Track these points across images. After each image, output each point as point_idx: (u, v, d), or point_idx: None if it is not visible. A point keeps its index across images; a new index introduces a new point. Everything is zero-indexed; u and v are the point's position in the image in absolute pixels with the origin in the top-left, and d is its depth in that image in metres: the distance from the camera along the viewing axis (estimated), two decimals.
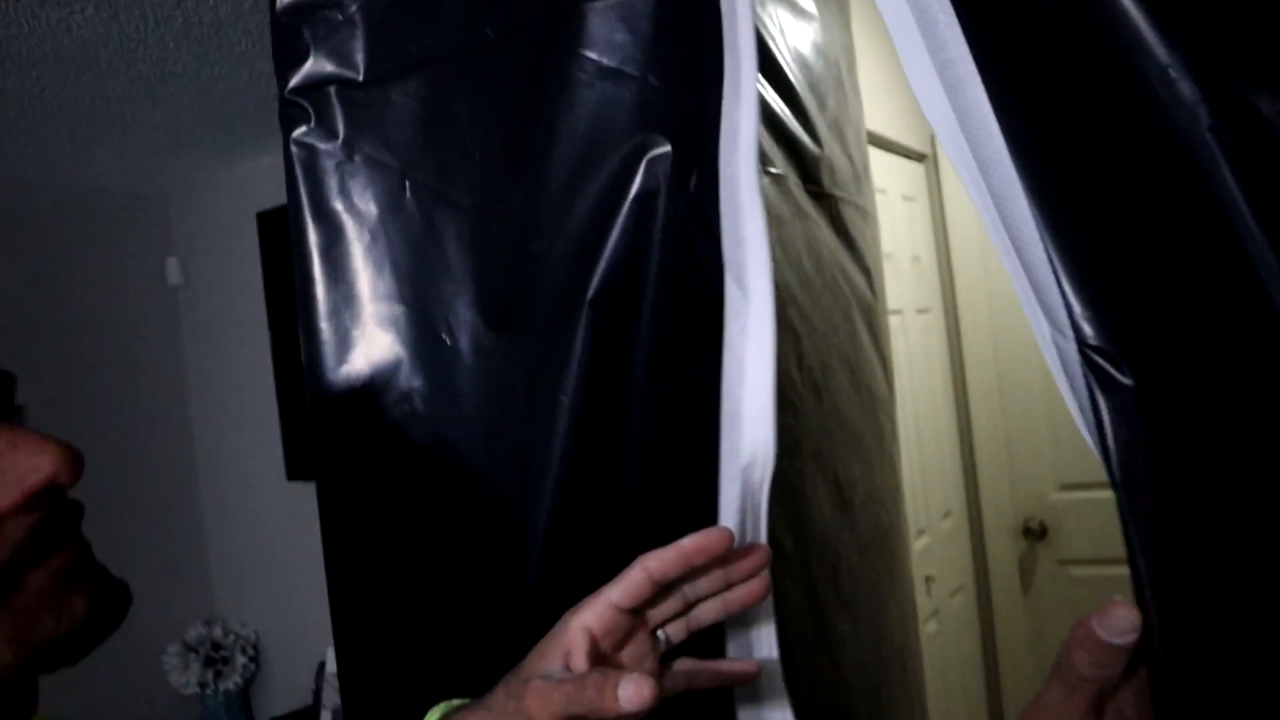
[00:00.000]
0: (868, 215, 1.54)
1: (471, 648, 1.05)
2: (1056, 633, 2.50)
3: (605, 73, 0.93)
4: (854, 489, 1.45)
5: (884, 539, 1.59)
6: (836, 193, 1.38)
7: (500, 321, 1.02)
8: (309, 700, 3.07)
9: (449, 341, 1.04)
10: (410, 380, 1.05)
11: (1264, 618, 0.63)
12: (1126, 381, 0.65)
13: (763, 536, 0.86)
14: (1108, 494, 0.91)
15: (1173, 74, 0.62)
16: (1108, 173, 0.66)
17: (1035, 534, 2.56)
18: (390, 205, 1.06)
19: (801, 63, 1.28)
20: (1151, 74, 0.62)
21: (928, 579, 2.36)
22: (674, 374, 0.90)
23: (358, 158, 1.06)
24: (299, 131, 1.08)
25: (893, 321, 1.65)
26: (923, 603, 2.30)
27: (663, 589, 0.74)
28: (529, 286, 1.00)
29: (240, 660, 3.38)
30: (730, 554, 0.75)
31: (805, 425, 1.31)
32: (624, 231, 0.94)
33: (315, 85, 1.08)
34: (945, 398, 2.67)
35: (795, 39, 1.28)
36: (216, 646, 3.37)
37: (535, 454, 0.99)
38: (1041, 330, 0.71)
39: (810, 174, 1.29)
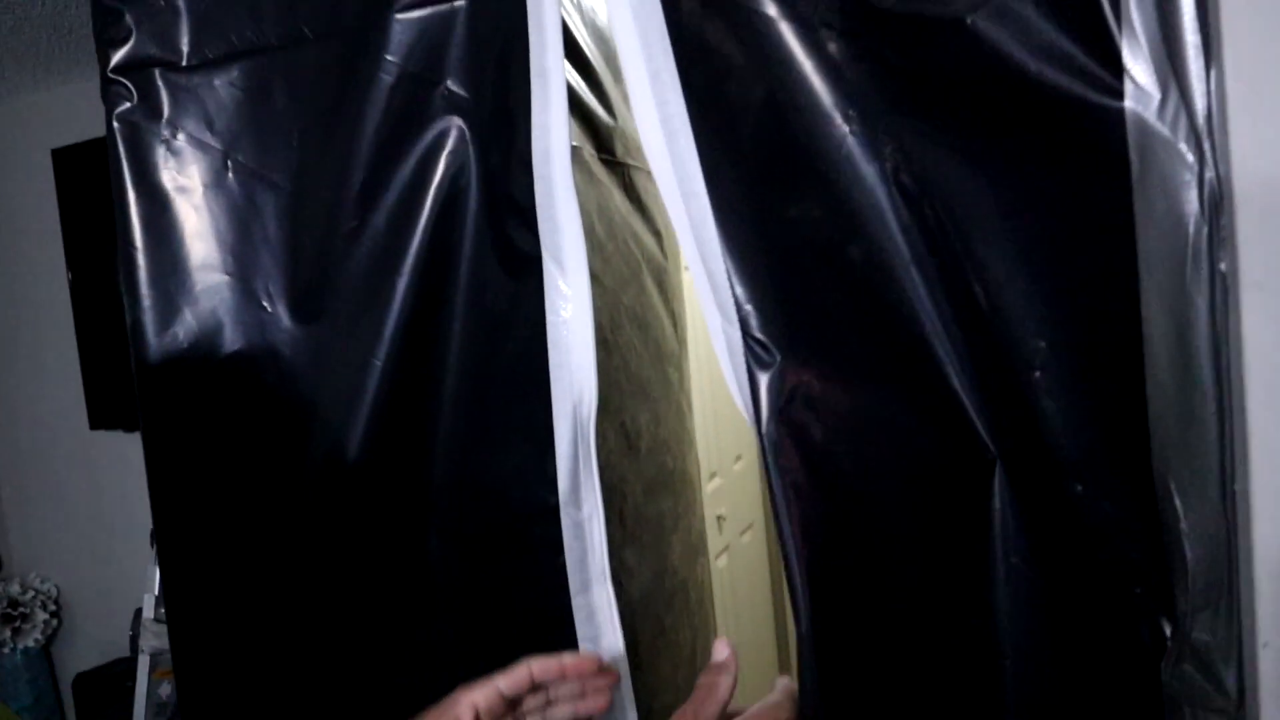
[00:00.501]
0: None
1: (293, 585, 1.20)
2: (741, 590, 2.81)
3: (408, 76, 1.08)
4: (640, 436, 1.66)
5: (670, 480, 1.81)
6: (629, 161, 1.56)
7: (316, 292, 1.16)
8: (122, 653, 3.08)
9: (269, 308, 1.17)
10: (233, 343, 1.18)
11: (891, 559, 0.88)
12: (775, 359, 0.88)
13: (593, 459, 1.07)
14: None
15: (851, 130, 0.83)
16: (778, 209, 0.88)
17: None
18: (213, 182, 1.17)
19: (599, 37, 1.44)
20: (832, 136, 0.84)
21: (719, 517, 2.61)
22: (492, 340, 1.07)
23: (181, 137, 1.17)
24: (122, 109, 1.18)
25: (687, 279, 1.84)
26: (714, 539, 2.55)
27: (535, 686, 0.93)
28: (343, 261, 1.14)
29: (40, 616, 3.34)
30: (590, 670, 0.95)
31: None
32: (434, 214, 1.09)
33: (138, 66, 1.17)
34: None
35: (592, 14, 1.44)
36: (14, 604, 3.32)
37: (347, 410, 1.14)
38: (715, 323, 0.93)
39: (604, 144, 1.46)
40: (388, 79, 1.08)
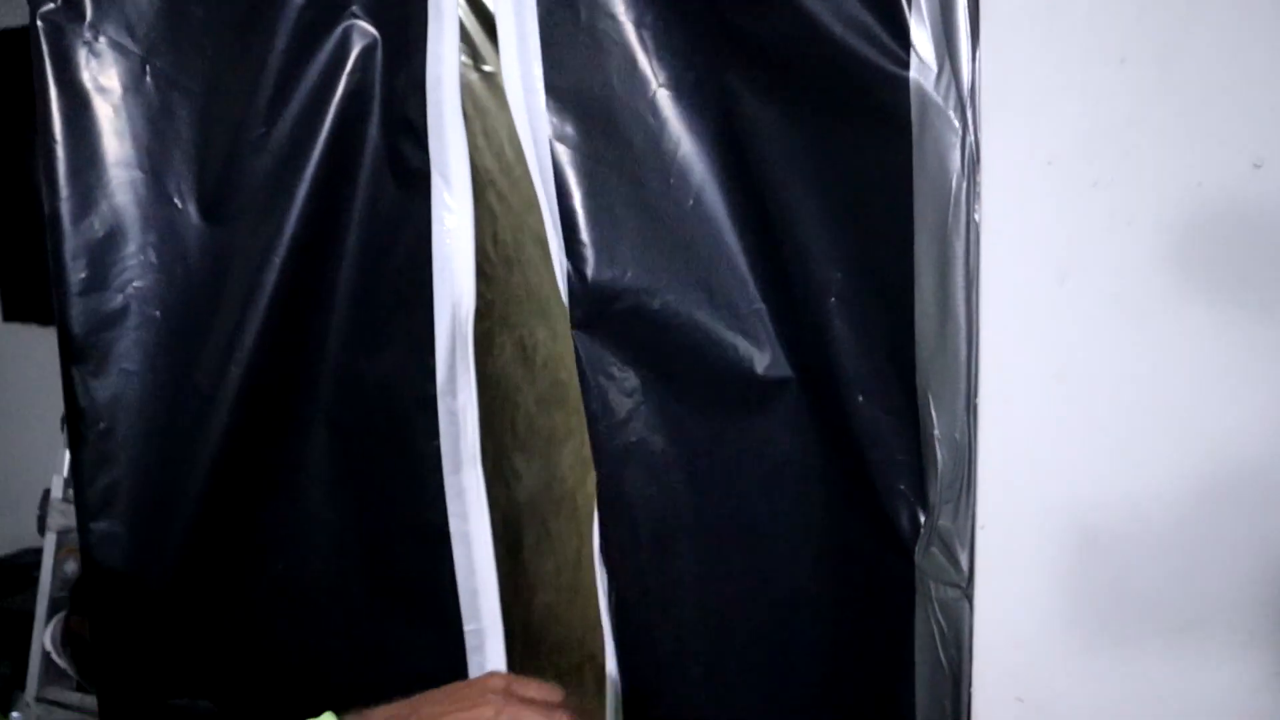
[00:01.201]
0: None
1: (194, 469, 1.33)
2: None
3: None
4: (536, 350, 1.80)
5: (564, 395, 1.96)
6: None
7: (224, 194, 1.28)
8: (30, 542, 3.14)
9: (179, 205, 1.29)
10: (145, 237, 1.29)
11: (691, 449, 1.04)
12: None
13: (470, 355, 1.21)
14: None
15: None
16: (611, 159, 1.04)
17: None
18: (132, 85, 1.28)
19: None
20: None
21: None
22: (383, 246, 1.21)
23: (103, 40, 1.27)
24: (46, 9, 1.28)
25: None
26: None
27: None
28: (249, 166, 1.26)
29: None
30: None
31: (496, 292, 1.65)
32: (335, 127, 1.21)
33: None
34: None
35: None
36: None
37: (246, 305, 1.27)
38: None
39: None
40: None
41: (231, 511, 1.32)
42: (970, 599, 0.91)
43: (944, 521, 0.91)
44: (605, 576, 1.13)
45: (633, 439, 1.08)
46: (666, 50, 1.00)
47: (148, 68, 1.28)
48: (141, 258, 1.30)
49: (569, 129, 1.05)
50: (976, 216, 0.86)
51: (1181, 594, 0.82)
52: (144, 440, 1.32)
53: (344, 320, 1.26)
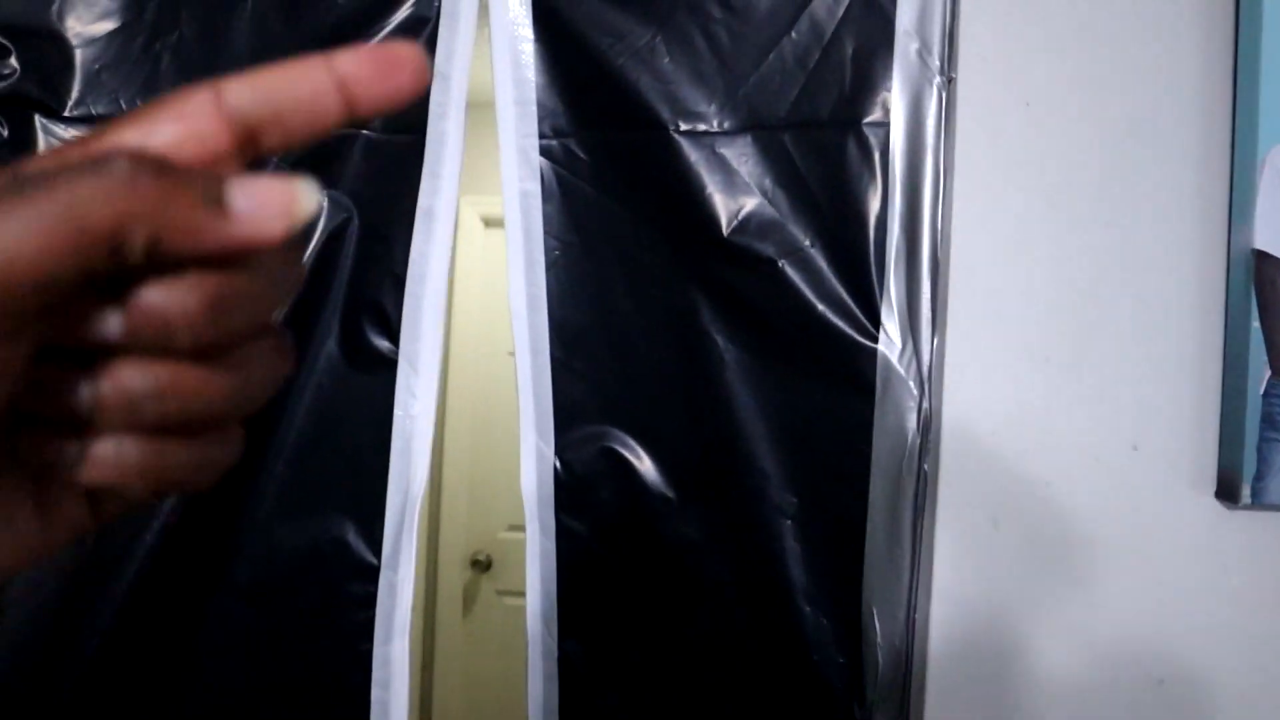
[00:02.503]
0: None
1: (89, 636, 1.28)
2: (488, 650, 3.08)
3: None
4: None
5: None
6: None
7: None
8: None
9: None
10: None
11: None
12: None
13: (415, 531, 1.29)
14: None
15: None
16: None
17: (483, 565, 3.13)
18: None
19: None
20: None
21: None
22: (334, 424, 1.27)
23: None
24: None
25: None
26: None
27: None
28: None
29: None
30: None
31: None
32: (290, 306, 1.28)
33: (18, 104, 1.26)
34: None
35: None
36: None
37: None
38: (528, 440, 1.24)
39: None
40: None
41: (126, 675, 1.28)
42: None
43: (880, 717, 1.11)
44: None
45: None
46: (656, 288, 1.19)
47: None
48: None
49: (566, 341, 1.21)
50: (926, 467, 1.09)
51: None
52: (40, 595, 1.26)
53: (278, 484, 1.29)
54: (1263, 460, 1.01)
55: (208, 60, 1.28)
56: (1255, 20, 1.02)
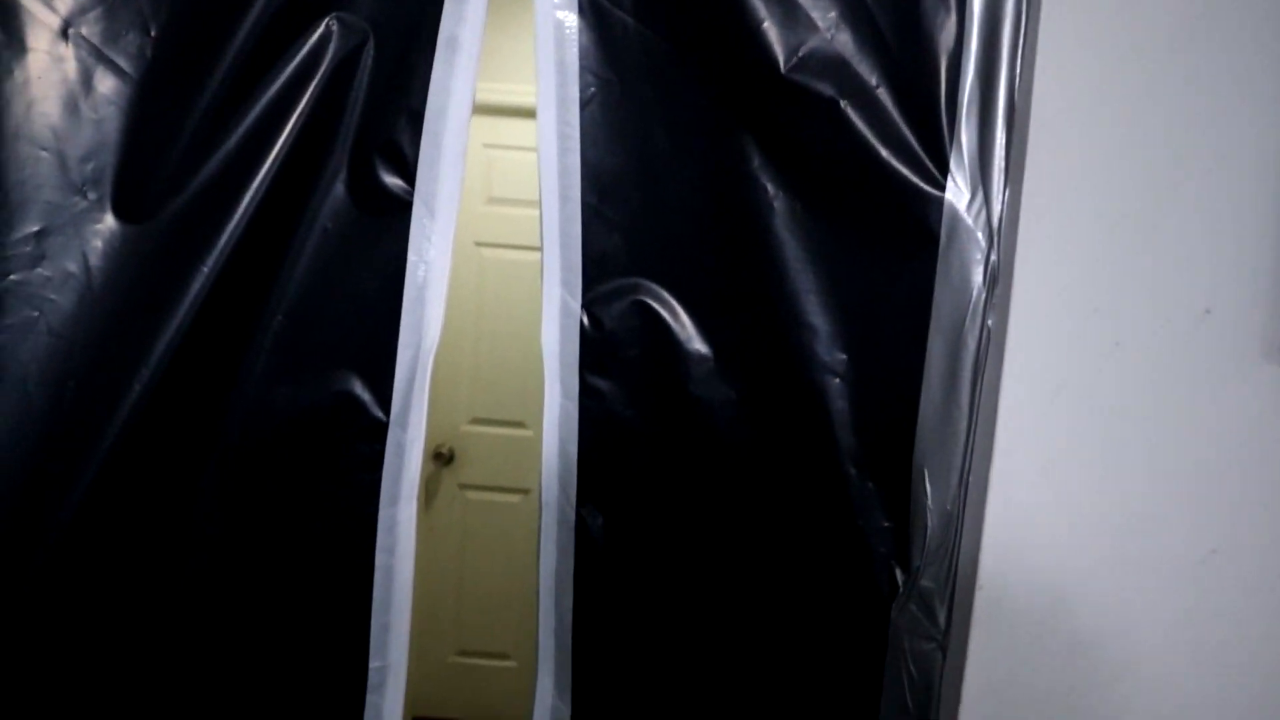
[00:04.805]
0: None
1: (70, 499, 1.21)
2: (448, 544, 3.05)
3: None
4: None
5: None
6: None
7: (149, 192, 1.20)
8: None
9: (87, 196, 1.19)
10: (40, 224, 1.18)
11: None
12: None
13: (426, 389, 1.24)
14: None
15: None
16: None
17: (444, 459, 3.08)
18: (45, 48, 1.17)
19: None
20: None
21: None
22: (341, 268, 1.20)
23: None
24: None
25: None
26: None
27: None
28: (183, 164, 1.20)
29: None
30: None
31: None
32: (296, 139, 1.19)
33: None
34: None
35: None
36: None
37: (159, 313, 1.19)
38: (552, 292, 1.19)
39: None
40: None
41: (108, 537, 1.21)
42: (944, 650, 1.09)
43: (926, 582, 1.09)
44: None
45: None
46: (700, 131, 1.13)
47: (69, 33, 1.18)
48: (29, 249, 1.18)
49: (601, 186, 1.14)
50: (990, 323, 1.06)
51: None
52: (13, 455, 1.19)
53: (277, 337, 1.22)
54: None
55: None
56: None
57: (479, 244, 2.89)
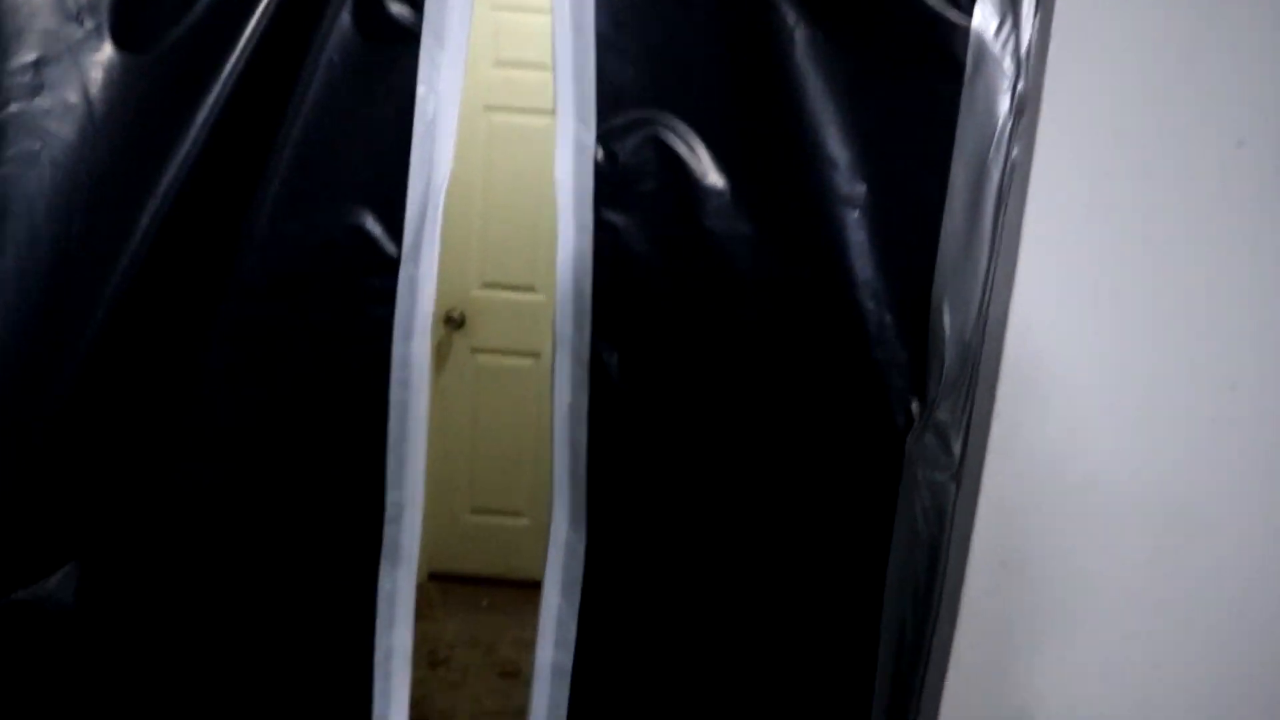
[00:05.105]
0: None
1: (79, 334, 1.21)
2: (460, 407, 3.08)
3: None
4: None
5: None
6: None
7: (148, 18, 1.16)
8: None
9: (84, 23, 1.16)
10: (37, 52, 1.15)
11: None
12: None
13: (438, 224, 1.23)
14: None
15: None
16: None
17: (455, 323, 3.08)
18: None
19: None
20: None
21: None
22: (350, 98, 1.17)
23: None
24: None
25: None
26: None
27: None
28: None
29: None
30: None
31: None
32: None
33: None
34: None
35: None
36: None
37: (166, 140, 1.17)
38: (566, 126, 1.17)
39: None
40: None
41: (120, 373, 1.22)
42: (958, 481, 1.10)
43: (942, 415, 1.10)
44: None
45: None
46: None
47: None
48: (27, 79, 1.16)
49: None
50: (1015, 154, 1.04)
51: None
52: (14, 292, 1.18)
53: (286, 172, 1.21)
54: None
55: None
56: None
57: (488, 108, 2.83)
